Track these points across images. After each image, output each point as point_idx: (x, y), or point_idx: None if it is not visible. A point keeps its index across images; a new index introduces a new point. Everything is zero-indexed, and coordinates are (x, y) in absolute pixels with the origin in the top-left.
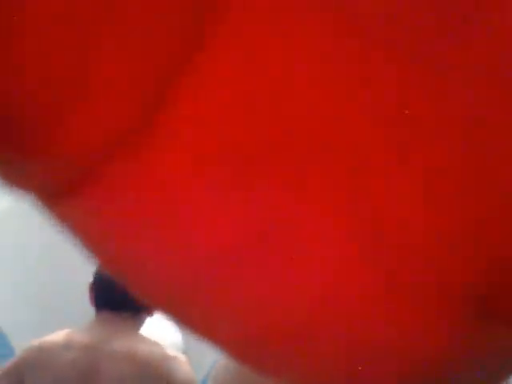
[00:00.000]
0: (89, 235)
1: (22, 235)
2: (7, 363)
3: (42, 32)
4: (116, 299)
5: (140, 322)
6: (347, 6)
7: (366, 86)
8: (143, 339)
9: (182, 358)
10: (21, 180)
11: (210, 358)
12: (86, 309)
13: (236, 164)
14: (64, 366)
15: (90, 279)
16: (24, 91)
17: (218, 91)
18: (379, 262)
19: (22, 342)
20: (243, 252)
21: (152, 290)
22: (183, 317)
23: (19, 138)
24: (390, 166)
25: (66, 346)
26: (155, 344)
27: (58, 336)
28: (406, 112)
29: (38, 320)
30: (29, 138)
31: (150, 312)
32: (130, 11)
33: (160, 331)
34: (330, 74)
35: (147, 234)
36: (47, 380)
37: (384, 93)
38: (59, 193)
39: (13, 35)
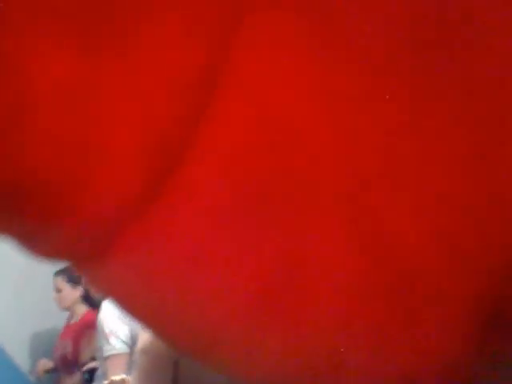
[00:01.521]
0: (119, 293)
1: None
2: None
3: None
4: None
5: None
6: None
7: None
8: None
9: None
10: (50, 249)
11: None
12: None
13: (248, 209)
14: None
15: None
16: (43, 165)
17: (229, 149)
18: (387, 282)
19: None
20: (270, 291)
21: (179, 338)
22: (214, 360)
23: (46, 208)
24: (388, 191)
25: None
26: None
27: None
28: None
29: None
30: (53, 207)
31: None
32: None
33: None
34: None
35: (173, 285)
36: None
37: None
38: (86, 257)
39: (25, 115)
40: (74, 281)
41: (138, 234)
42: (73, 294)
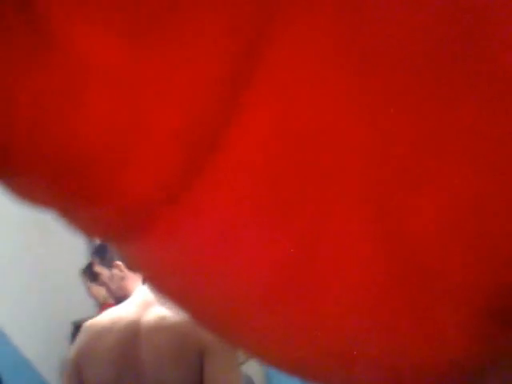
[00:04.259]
0: (152, 269)
1: None
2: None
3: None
4: None
5: None
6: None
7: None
8: None
9: None
10: (91, 227)
11: None
12: None
13: (273, 202)
14: (108, 349)
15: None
16: (88, 142)
17: (259, 140)
18: (405, 278)
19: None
20: (286, 279)
21: (207, 317)
22: (236, 339)
23: (90, 185)
24: (412, 188)
25: (111, 326)
26: None
27: (105, 316)
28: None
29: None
30: (96, 184)
31: None
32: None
33: None
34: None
35: (201, 267)
36: (97, 365)
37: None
38: (123, 235)
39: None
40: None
41: (173, 215)
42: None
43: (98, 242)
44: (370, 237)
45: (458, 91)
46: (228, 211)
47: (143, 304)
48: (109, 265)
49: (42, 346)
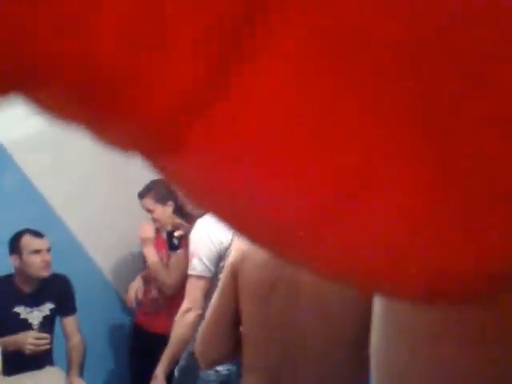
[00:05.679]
0: (191, 184)
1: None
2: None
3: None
4: None
5: None
6: None
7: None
8: None
9: None
10: (123, 141)
11: None
12: None
13: (318, 115)
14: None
15: None
16: (105, 53)
17: (290, 46)
18: (458, 200)
19: None
20: (338, 202)
21: (252, 233)
22: (286, 256)
23: (111, 101)
24: (465, 102)
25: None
26: None
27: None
28: None
29: None
30: (118, 101)
31: None
32: None
33: None
34: None
35: (242, 180)
36: (256, 269)
37: None
38: (155, 150)
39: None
40: (162, 199)
41: (205, 129)
42: (165, 211)
43: None
44: (421, 154)
45: None
46: (264, 124)
47: None
48: None
49: (115, 257)
